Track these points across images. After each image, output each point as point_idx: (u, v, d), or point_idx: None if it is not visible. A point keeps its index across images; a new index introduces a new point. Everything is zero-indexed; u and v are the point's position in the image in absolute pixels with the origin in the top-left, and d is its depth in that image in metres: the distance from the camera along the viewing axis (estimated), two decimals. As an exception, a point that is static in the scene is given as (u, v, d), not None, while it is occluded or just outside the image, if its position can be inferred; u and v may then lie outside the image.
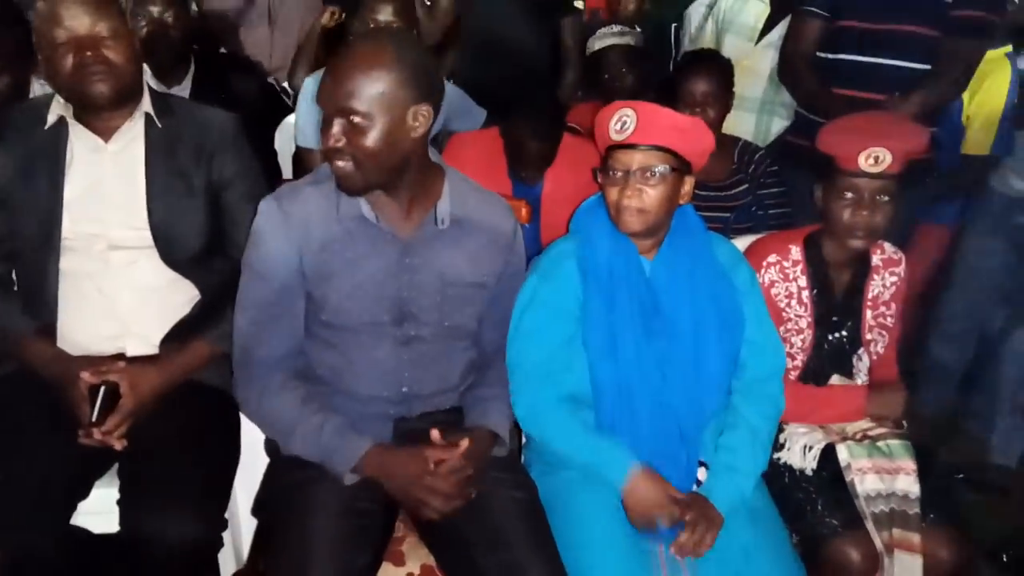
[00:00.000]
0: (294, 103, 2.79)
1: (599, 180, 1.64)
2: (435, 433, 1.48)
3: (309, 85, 2.57)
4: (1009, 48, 2.69)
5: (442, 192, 1.56)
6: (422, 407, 1.61)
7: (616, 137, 1.57)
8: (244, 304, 1.56)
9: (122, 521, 1.52)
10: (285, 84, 3.12)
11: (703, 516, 1.51)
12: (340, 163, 1.43)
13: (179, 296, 1.72)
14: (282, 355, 1.55)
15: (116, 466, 1.62)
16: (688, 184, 1.63)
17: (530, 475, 1.63)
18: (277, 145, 2.81)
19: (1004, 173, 2.72)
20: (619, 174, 1.58)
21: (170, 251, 1.69)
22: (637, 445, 1.57)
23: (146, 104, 1.69)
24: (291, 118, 2.77)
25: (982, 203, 2.79)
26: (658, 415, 1.58)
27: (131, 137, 1.68)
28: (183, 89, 2.51)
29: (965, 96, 2.61)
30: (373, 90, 1.40)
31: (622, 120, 1.56)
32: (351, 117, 1.40)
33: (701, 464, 1.60)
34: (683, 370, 1.60)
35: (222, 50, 3.14)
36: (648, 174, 1.56)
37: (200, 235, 1.71)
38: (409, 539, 1.58)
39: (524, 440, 1.80)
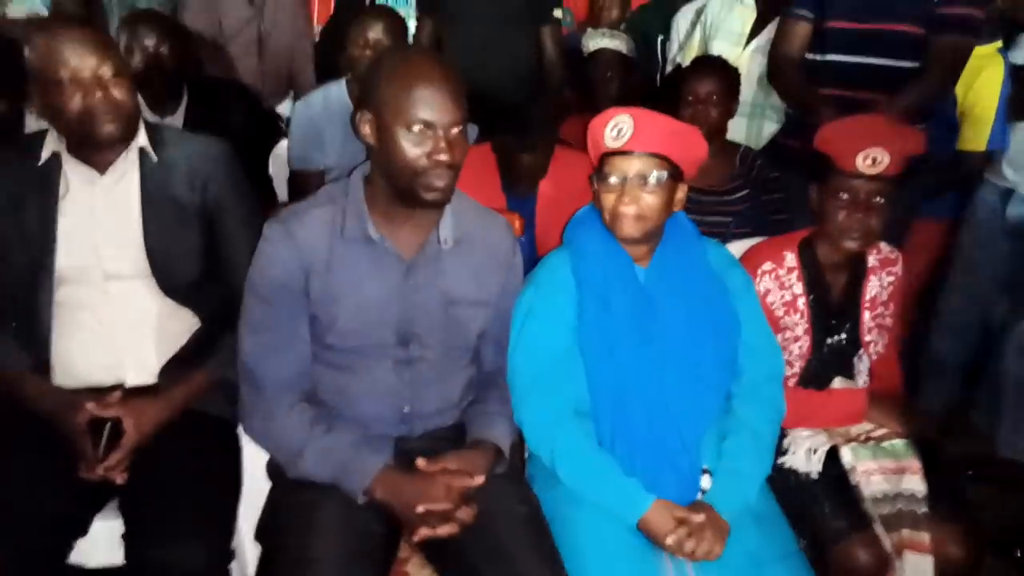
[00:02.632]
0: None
1: (594, 187, 1.64)
2: (421, 462, 1.47)
3: (300, 109, 2.59)
4: (1000, 43, 2.68)
5: (444, 211, 1.56)
6: (423, 427, 1.61)
7: (612, 144, 1.57)
8: (250, 328, 1.55)
9: (127, 555, 1.51)
10: (281, 108, 3.14)
11: (708, 524, 1.48)
12: (444, 177, 1.43)
13: (177, 324, 1.72)
14: (290, 378, 1.55)
15: (117, 500, 1.61)
16: (681, 192, 1.63)
17: (532, 490, 1.62)
18: (272, 171, 2.82)
19: (998, 164, 2.72)
20: (615, 181, 1.57)
21: (167, 279, 1.69)
22: (636, 453, 1.56)
23: (141, 138, 1.69)
24: (284, 143, 2.77)
25: (978, 195, 2.78)
26: (657, 422, 1.57)
27: (125, 169, 1.68)
28: (176, 119, 2.53)
29: (959, 91, 2.61)
30: (463, 103, 1.43)
31: (618, 127, 1.56)
32: (459, 128, 1.43)
33: (705, 471, 1.59)
34: (680, 376, 1.59)
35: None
36: (645, 181, 1.56)
37: (197, 262, 1.71)
38: (414, 560, 1.57)
39: (527, 454, 1.79)
